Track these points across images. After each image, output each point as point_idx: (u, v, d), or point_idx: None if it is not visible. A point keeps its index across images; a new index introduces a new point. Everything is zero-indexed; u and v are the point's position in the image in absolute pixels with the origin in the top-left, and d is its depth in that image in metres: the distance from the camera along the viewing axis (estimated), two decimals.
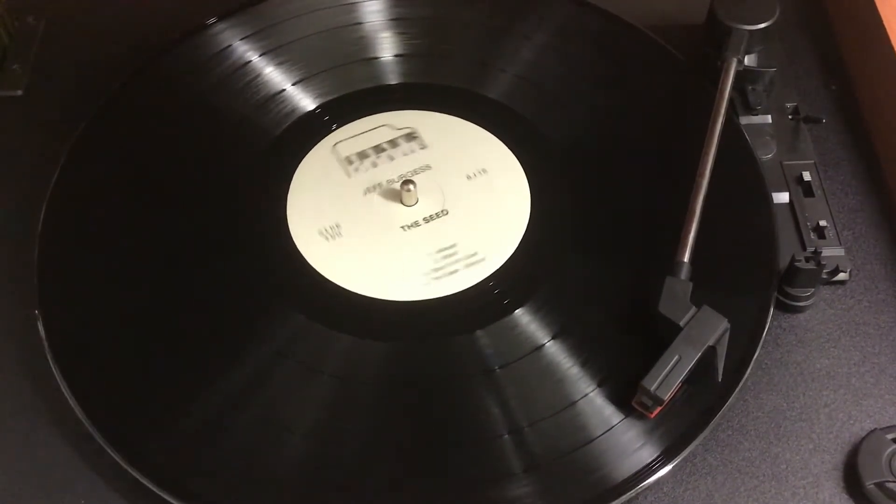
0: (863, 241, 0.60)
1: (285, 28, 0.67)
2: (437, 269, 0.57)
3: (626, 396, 0.51)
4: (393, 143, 0.63)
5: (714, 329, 0.50)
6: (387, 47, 0.67)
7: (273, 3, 0.68)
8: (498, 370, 0.53)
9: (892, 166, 0.62)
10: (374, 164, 0.62)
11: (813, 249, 0.57)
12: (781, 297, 0.56)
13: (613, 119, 0.64)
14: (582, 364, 0.53)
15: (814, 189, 0.60)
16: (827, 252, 0.57)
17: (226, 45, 0.67)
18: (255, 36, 0.67)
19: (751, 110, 0.63)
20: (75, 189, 0.60)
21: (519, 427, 0.51)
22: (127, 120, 0.64)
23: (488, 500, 0.49)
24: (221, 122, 0.63)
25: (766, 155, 0.62)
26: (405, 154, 0.62)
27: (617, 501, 0.49)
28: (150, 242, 0.58)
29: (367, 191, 0.61)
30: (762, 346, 0.53)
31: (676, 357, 0.50)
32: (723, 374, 0.51)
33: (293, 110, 0.64)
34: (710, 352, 0.50)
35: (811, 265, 0.55)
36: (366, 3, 0.69)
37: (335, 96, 0.65)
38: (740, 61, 0.61)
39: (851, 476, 0.51)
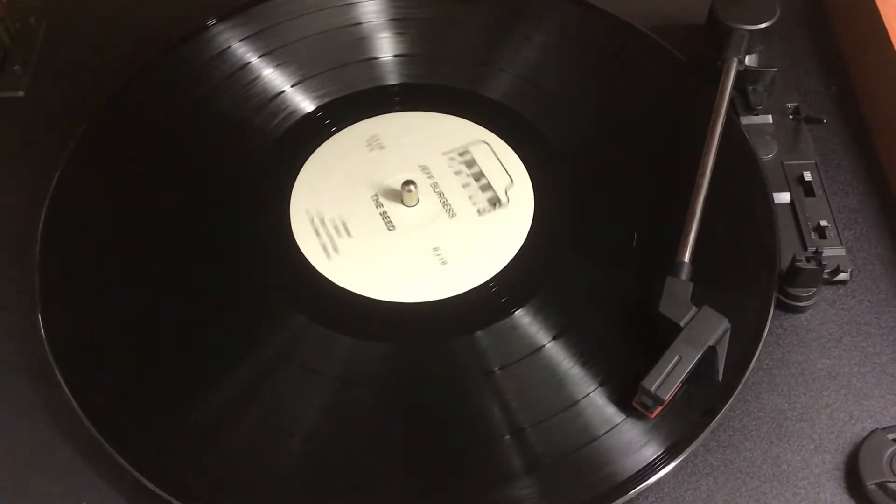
0: (864, 241, 0.60)
1: (285, 29, 0.67)
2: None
3: (626, 397, 0.51)
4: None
5: (714, 329, 0.50)
6: (386, 48, 0.67)
7: (272, 5, 0.68)
8: (499, 371, 0.53)
9: (893, 166, 0.62)
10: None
11: (814, 249, 0.57)
12: (782, 297, 0.56)
13: (614, 119, 0.64)
14: (582, 364, 0.53)
15: (815, 189, 0.60)
16: (828, 252, 0.57)
17: (225, 46, 0.67)
18: (255, 37, 0.67)
19: (751, 110, 0.63)
20: (76, 190, 0.60)
21: (520, 428, 0.51)
22: (127, 121, 0.64)
23: (490, 500, 0.49)
24: (222, 123, 0.63)
25: (767, 155, 0.62)
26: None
27: (618, 501, 0.49)
28: (150, 243, 0.58)
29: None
30: (763, 346, 0.53)
31: (677, 357, 0.50)
32: (723, 375, 0.51)
33: (293, 111, 0.64)
34: (711, 352, 0.50)
35: (812, 265, 0.55)
36: (365, 4, 0.69)
37: (335, 97, 0.65)
38: (741, 61, 0.61)
39: (852, 476, 0.51)
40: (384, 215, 0.60)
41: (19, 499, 0.51)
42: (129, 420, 0.52)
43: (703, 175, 0.56)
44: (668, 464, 0.50)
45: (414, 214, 0.60)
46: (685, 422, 0.51)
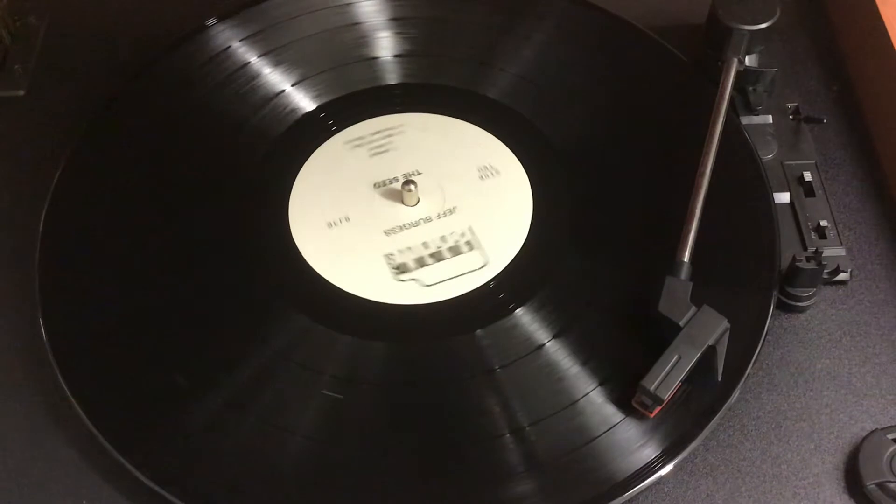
0: (864, 241, 0.60)
1: (285, 29, 0.67)
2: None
3: (626, 396, 0.51)
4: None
5: (714, 329, 0.50)
6: (386, 47, 0.67)
7: (273, 4, 0.68)
8: (499, 370, 0.53)
9: (893, 166, 0.62)
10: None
11: (814, 249, 0.57)
12: (782, 297, 0.56)
13: (614, 119, 0.64)
14: (582, 363, 0.53)
15: (815, 189, 0.60)
16: (828, 252, 0.57)
17: (225, 45, 0.67)
18: (255, 37, 0.67)
19: (751, 110, 0.63)
20: (77, 189, 0.60)
21: (520, 426, 0.51)
22: (128, 121, 0.64)
23: (490, 499, 0.49)
24: (222, 122, 0.63)
25: (767, 155, 0.62)
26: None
27: (617, 501, 0.49)
28: (151, 243, 0.58)
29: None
30: (762, 346, 0.53)
31: (676, 357, 0.50)
32: (723, 374, 0.51)
33: (293, 111, 0.64)
34: (710, 352, 0.50)
35: (812, 265, 0.55)
36: (365, 4, 0.69)
37: (335, 97, 0.65)
38: (741, 61, 0.61)
39: (852, 476, 0.51)
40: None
41: (19, 499, 0.51)
42: (130, 419, 0.52)
43: (702, 175, 0.56)
44: (668, 463, 0.50)
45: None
46: (684, 421, 0.51)
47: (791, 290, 0.56)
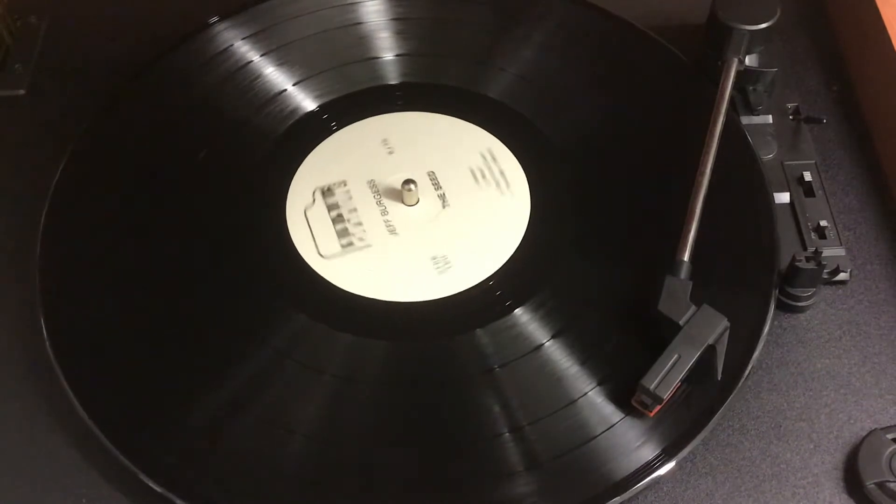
0: (863, 241, 0.60)
1: (286, 28, 0.67)
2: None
3: (625, 395, 0.51)
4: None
5: (714, 328, 0.50)
6: (387, 47, 0.67)
7: (274, 4, 0.68)
8: (498, 369, 0.53)
9: (893, 166, 0.62)
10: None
11: (814, 249, 0.57)
12: (782, 297, 0.56)
13: (614, 119, 0.64)
14: (582, 363, 0.53)
15: (814, 189, 0.60)
16: (827, 252, 0.57)
17: (227, 45, 0.67)
18: (257, 36, 0.67)
19: (752, 110, 0.63)
20: (77, 188, 0.60)
21: (519, 426, 0.51)
22: (128, 120, 0.64)
23: (489, 498, 0.49)
24: (223, 121, 0.64)
25: (767, 155, 0.62)
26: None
27: (617, 500, 0.49)
28: (151, 242, 0.58)
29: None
30: (762, 346, 0.53)
31: (676, 356, 0.50)
32: (723, 374, 0.51)
33: (294, 110, 0.64)
34: (710, 351, 0.50)
35: (812, 265, 0.55)
36: (366, 4, 0.69)
37: (336, 96, 0.65)
38: (741, 61, 0.61)
39: (851, 476, 0.51)
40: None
41: (19, 498, 0.51)
42: (130, 418, 0.52)
43: (702, 174, 0.56)
44: (667, 463, 0.50)
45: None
46: (684, 421, 0.51)
47: (791, 290, 0.56)
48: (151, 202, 0.60)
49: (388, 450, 0.51)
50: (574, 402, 0.51)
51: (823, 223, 0.59)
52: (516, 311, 0.55)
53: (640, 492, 0.50)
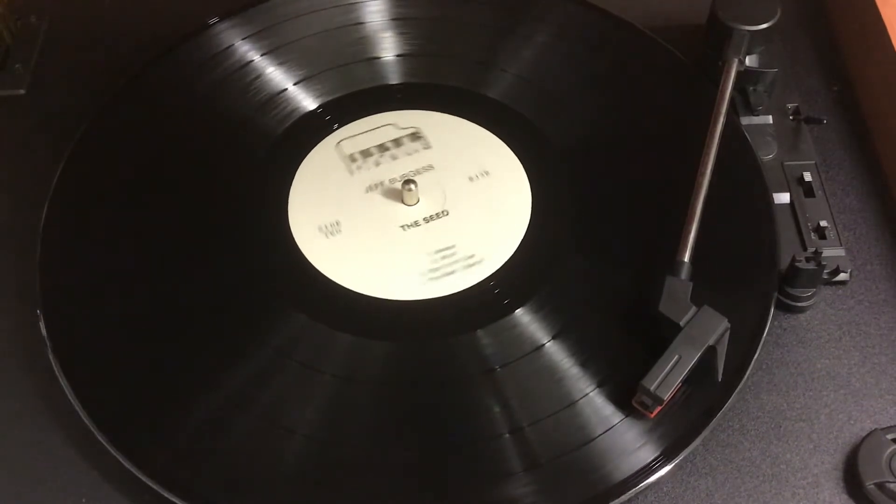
0: (863, 241, 0.60)
1: (287, 28, 0.67)
2: (437, 269, 0.57)
3: (626, 396, 0.51)
4: (397, 142, 0.63)
5: (714, 329, 0.50)
6: (388, 47, 0.67)
7: (275, 3, 0.68)
8: (498, 370, 0.53)
9: (893, 167, 0.62)
10: (377, 164, 0.62)
11: (814, 250, 0.57)
12: (782, 298, 0.56)
13: (614, 119, 0.64)
14: (582, 364, 0.53)
15: (815, 189, 0.60)
16: (827, 252, 0.57)
17: (227, 44, 0.67)
18: (257, 36, 0.67)
19: (752, 111, 0.63)
20: (77, 188, 0.60)
21: (519, 426, 0.51)
22: (128, 119, 0.64)
23: (489, 498, 0.49)
24: (223, 121, 0.64)
25: (767, 155, 0.62)
26: (408, 154, 0.63)
27: (617, 501, 0.49)
28: (151, 242, 0.58)
29: (369, 190, 0.61)
30: (762, 347, 0.53)
31: (676, 357, 0.50)
32: (723, 374, 0.51)
33: (295, 110, 0.64)
34: (711, 352, 0.50)
35: (812, 265, 0.55)
36: (367, 3, 0.69)
37: (336, 96, 0.65)
38: (741, 62, 0.61)
39: (851, 476, 0.51)
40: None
41: (19, 498, 0.51)
42: (130, 418, 0.52)
43: (703, 175, 0.56)
44: (667, 463, 0.50)
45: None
46: (684, 421, 0.51)
47: (791, 291, 0.56)
48: (151, 202, 0.60)
49: (388, 450, 0.51)
50: (574, 402, 0.51)
51: (823, 223, 0.59)
52: (517, 311, 0.55)
53: (641, 492, 0.50)
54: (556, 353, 0.53)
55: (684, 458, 0.50)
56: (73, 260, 0.58)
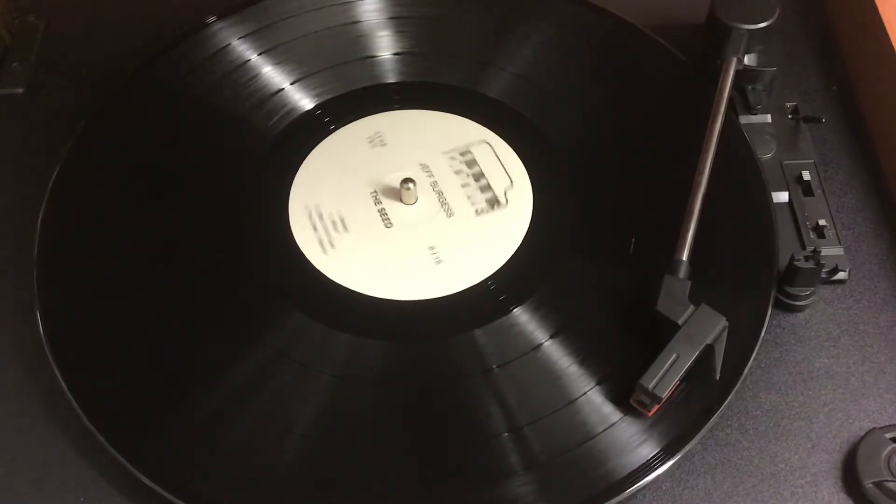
0: (862, 240, 0.60)
1: (284, 27, 0.67)
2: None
3: (624, 395, 0.51)
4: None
5: (712, 328, 0.50)
6: (385, 46, 0.67)
7: (272, 2, 0.68)
8: (497, 369, 0.53)
9: (892, 166, 0.62)
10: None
11: (812, 249, 0.57)
12: (781, 297, 0.56)
13: (613, 118, 0.64)
14: (581, 362, 0.53)
15: (813, 188, 0.60)
16: (826, 251, 0.57)
17: (225, 43, 0.67)
18: (254, 35, 0.67)
19: (750, 110, 0.63)
20: (75, 187, 0.60)
21: (518, 425, 0.51)
22: (126, 119, 0.64)
23: (488, 498, 0.49)
24: (221, 120, 0.63)
25: (766, 154, 0.62)
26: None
27: (616, 499, 0.49)
28: (149, 241, 0.58)
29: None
30: (761, 345, 0.53)
31: (674, 355, 0.50)
32: (721, 373, 0.51)
33: (292, 109, 0.64)
34: (709, 350, 0.50)
35: (810, 264, 0.55)
36: (364, 2, 0.69)
37: (334, 95, 0.65)
38: (740, 61, 0.61)
39: (850, 475, 0.51)
40: (383, 213, 0.60)
41: (18, 497, 0.51)
42: (128, 418, 0.52)
43: (701, 174, 0.56)
44: (666, 462, 0.50)
45: (413, 212, 0.60)
46: (683, 420, 0.51)
47: (789, 290, 0.56)
48: (149, 201, 0.60)
49: (387, 449, 0.51)
50: (573, 401, 0.51)
51: (822, 222, 0.58)
52: (515, 310, 0.55)
53: (639, 491, 0.50)
54: (555, 352, 0.53)
55: (683, 456, 0.50)
56: (72, 259, 0.58)
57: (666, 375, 0.49)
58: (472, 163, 0.62)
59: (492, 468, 0.50)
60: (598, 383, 0.52)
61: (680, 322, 0.51)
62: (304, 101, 0.65)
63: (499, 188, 0.61)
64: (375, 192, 0.61)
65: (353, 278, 0.57)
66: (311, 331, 0.55)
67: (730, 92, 0.60)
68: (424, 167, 0.62)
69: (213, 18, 0.68)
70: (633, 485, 0.49)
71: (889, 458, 0.50)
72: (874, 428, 0.52)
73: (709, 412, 0.51)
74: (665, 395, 0.49)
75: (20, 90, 0.68)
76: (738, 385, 0.52)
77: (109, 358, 0.54)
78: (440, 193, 0.61)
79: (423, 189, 0.60)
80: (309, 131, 0.63)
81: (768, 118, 0.63)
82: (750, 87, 0.64)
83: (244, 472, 0.50)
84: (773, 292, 0.55)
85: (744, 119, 0.63)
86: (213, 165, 0.62)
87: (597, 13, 0.68)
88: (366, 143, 0.63)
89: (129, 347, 0.54)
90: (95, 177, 0.61)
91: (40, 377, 0.54)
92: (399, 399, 0.53)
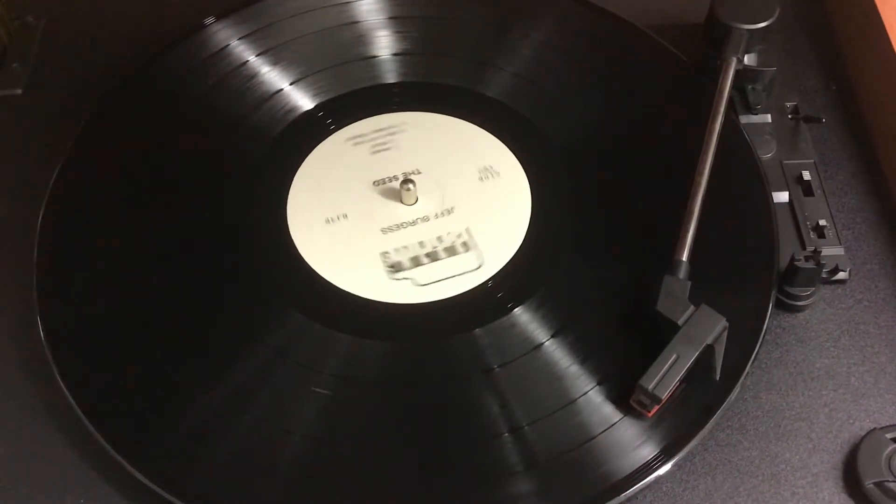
0: (862, 240, 0.60)
1: (283, 27, 0.67)
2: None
3: (624, 395, 0.51)
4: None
5: (712, 328, 0.50)
6: (385, 46, 0.67)
7: (271, 3, 0.68)
8: (497, 369, 0.53)
9: (892, 166, 0.62)
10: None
11: (812, 249, 0.57)
12: (781, 297, 0.56)
13: (613, 118, 0.64)
14: (581, 363, 0.53)
15: (813, 188, 0.60)
16: (826, 251, 0.57)
17: (224, 44, 0.67)
18: (253, 35, 0.67)
19: (750, 109, 0.63)
20: (74, 188, 0.60)
21: (518, 426, 0.51)
22: (125, 119, 0.64)
23: (488, 498, 0.49)
24: (220, 121, 0.63)
25: (766, 154, 0.62)
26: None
27: (616, 500, 0.49)
28: (149, 242, 0.58)
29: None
30: (761, 346, 0.53)
31: (675, 356, 0.50)
32: (722, 373, 0.51)
33: (291, 110, 0.64)
34: (709, 351, 0.50)
35: (811, 264, 0.55)
36: (363, 2, 0.69)
37: (333, 95, 0.65)
38: (740, 60, 0.61)
39: (851, 475, 0.51)
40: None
41: (18, 498, 0.51)
42: (128, 419, 0.52)
43: (701, 174, 0.56)
44: (666, 463, 0.49)
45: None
46: (683, 421, 0.51)
47: (790, 290, 0.56)
48: (149, 202, 0.60)
49: (387, 450, 0.51)
50: (573, 401, 0.51)
51: (822, 222, 0.58)
52: (515, 310, 0.55)
53: (640, 492, 0.50)
54: (555, 352, 0.53)
55: (683, 457, 0.50)
56: (71, 260, 0.58)
57: (666, 376, 0.49)
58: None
59: (492, 468, 0.50)
60: (599, 383, 0.52)
61: (680, 322, 0.51)
62: (304, 102, 0.65)
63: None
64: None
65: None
66: (310, 332, 0.55)
67: (730, 92, 0.60)
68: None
69: (212, 19, 0.68)
70: (634, 485, 0.49)
71: (890, 458, 0.50)
72: (875, 428, 0.52)
73: (709, 412, 0.51)
74: (665, 395, 0.49)
75: (19, 91, 0.68)
76: (738, 385, 0.52)
77: (109, 358, 0.54)
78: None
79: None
80: (308, 132, 0.63)
81: (768, 118, 0.63)
82: (750, 86, 0.64)
83: (244, 473, 0.50)
84: (774, 292, 0.55)
85: (744, 119, 0.63)
86: (212, 166, 0.62)
87: (597, 13, 0.68)
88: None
89: (129, 348, 0.54)
90: (95, 177, 0.61)
91: (40, 379, 0.54)
92: (399, 399, 0.53)
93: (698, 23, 0.66)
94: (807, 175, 0.61)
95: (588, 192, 0.60)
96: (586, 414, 0.51)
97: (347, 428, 0.51)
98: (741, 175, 0.60)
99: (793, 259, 0.55)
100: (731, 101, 0.61)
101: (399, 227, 0.59)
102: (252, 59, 0.66)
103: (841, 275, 0.57)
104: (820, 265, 0.55)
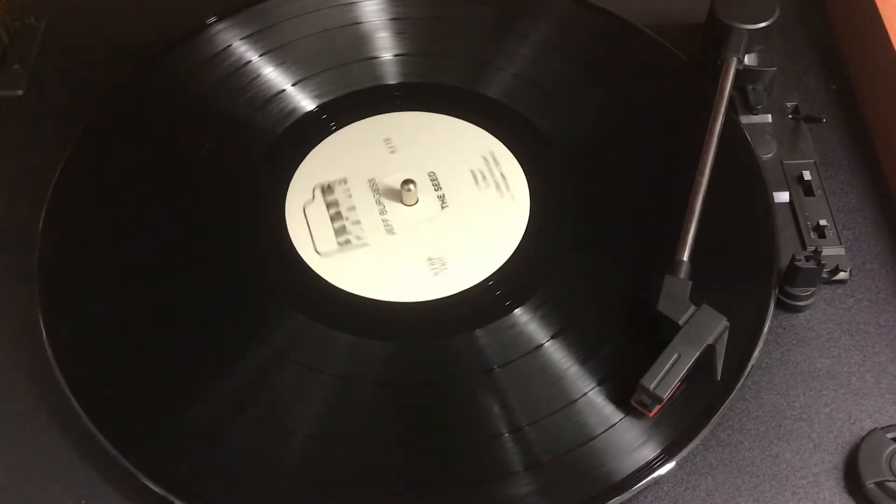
0: (863, 240, 0.60)
1: (285, 28, 0.67)
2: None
3: (625, 395, 0.51)
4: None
5: (713, 328, 0.50)
6: (386, 47, 0.67)
7: (273, 3, 0.68)
8: (498, 369, 0.53)
9: (893, 166, 0.62)
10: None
11: (813, 249, 0.57)
12: (782, 297, 0.56)
13: (613, 118, 0.64)
14: (581, 363, 0.53)
15: (814, 188, 0.60)
16: (827, 251, 0.57)
17: (226, 45, 0.67)
18: (255, 36, 0.67)
19: (751, 110, 0.63)
20: (76, 189, 0.60)
21: (519, 426, 0.51)
22: (127, 120, 0.64)
23: (489, 498, 0.49)
24: (221, 122, 0.63)
25: (767, 154, 0.62)
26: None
27: (617, 500, 0.49)
28: (150, 243, 0.58)
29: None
30: (762, 346, 0.53)
31: (675, 356, 0.50)
32: (723, 374, 0.51)
33: (293, 110, 0.64)
34: (710, 351, 0.50)
35: (811, 264, 0.55)
36: (365, 3, 0.69)
37: (335, 96, 0.65)
38: (740, 60, 0.61)
39: (851, 475, 0.51)
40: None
41: (19, 498, 0.51)
42: (129, 419, 0.52)
43: (702, 174, 0.56)
44: (667, 462, 0.49)
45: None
46: (684, 420, 0.51)
47: (790, 290, 0.56)
48: (150, 202, 0.60)
49: (388, 450, 0.51)
50: (574, 401, 0.51)
51: (823, 222, 0.58)
52: (516, 311, 0.55)
53: (640, 492, 0.50)
54: (556, 352, 0.53)
55: (684, 457, 0.50)
56: (73, 261, 0.58)
57: (667, 376, 0.49)
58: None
59: (492, 468, 0.50)
60: (599, 383, 0.52)
61: (681, 322, 0.51)
62: (305, 103, 0.65)
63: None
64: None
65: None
66: (311, 332, 0.55)
67: (730, 92, 0.60)
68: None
69: (213, 19, 0.68)
70: (635, 485, 0.49)
71: (891, 458, 0.50)
72: (875, 428, 0.52)
73: (710, 412, 0.51)
74: (666, 395, 0.49)
75: (20, 92, 0.68)
76: (739, 385, 0.52)
77: (111, 358, 0.54)
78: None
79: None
80: (309, 132, 0.63)
81: (769, 118, 0.63)
82: (750, 86, 0.64)
83: (244, 473, 0.50)
84: (774, 292, 0.55)
85: (744, 119, 0.63)
86: (213, 167, 0.62)
87: (597, 13, 0.68)
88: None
89: (130, 348, 0.54)
90: (96, 179, 0.61)
91: (42, 379, 0.54)
92: (399, 399, 0.53)
93: (698, 23, 0.66)
94: (807, 175, 0.61)
95: (588, 192, 0.60)
96: (587, 414, 0.51)
97: (348, 428, 0.51)
98: (742, 175, 0.60)
99: (793, 259, 0.55)
100: (731, 101, 0.61)
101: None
102: (254, 59, 0.66)
103: (841, 275, 0.57)
104: (820, 265, 0.55)
